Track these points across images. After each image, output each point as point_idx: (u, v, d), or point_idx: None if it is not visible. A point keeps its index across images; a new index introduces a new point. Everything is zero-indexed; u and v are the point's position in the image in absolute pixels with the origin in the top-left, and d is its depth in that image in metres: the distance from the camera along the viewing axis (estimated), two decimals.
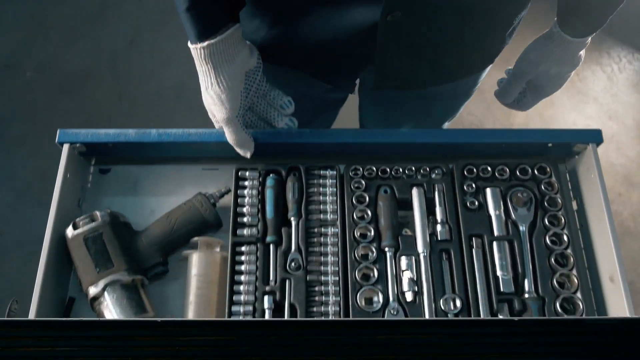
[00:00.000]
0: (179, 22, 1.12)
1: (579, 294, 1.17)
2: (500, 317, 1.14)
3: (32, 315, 1.11)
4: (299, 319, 1.14)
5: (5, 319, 0.95)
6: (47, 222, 1.19)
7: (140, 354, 0.81)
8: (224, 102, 1.15)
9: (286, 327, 0.85)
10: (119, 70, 3.37)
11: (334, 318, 1.14)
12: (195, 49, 1.12)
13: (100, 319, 1.10)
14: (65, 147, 1.25)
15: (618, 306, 1.14)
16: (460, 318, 1.11)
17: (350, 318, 1.13)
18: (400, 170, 1.27)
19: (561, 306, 1.16)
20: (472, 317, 1.12)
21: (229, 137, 1.21)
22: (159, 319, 1.08)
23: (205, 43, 1.10)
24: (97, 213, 1.20)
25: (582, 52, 1.29)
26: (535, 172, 1.27)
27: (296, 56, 1.35)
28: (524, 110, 1.46)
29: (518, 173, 1.27)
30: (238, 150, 1.23)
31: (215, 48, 1.10)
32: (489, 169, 1.26)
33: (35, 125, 3.11)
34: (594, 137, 1.26)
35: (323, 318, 1.15)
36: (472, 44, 1.31)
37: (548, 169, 1.26)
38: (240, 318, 1.15)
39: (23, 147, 3.08)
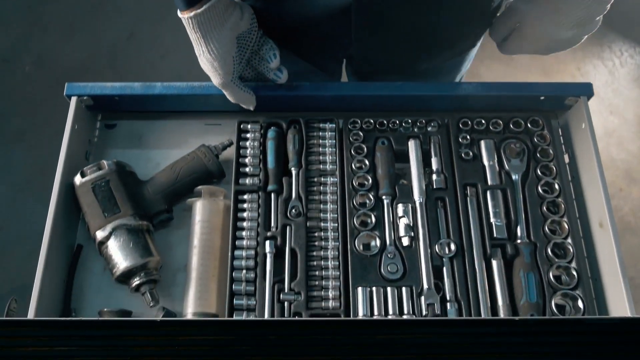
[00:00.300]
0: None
1: (569, 240, 1.21)
2: (501, 316, 1.15)
3: (41, 264, 1.14)
4: (298, 318, 1.14)
5: (4, 318, 0.97)
6: (56, 172, 1.22)
7: (140, 353, 0.82)
8: (217, 68, 1.18)
9: (286, 327, 0.86)
10: (118, 64, 3.39)
11: (334, 318, 1.15)
12: (184, 18, 1.13)
13: (99, 318, 1.09)
14: (73, 99, 1.29)
15: (607, 250, 1.18)
16: (461, 318, 1.13)
17: (351, 318, 1.14)
18: (398, 122, 1.31)
19: (552, 251, 1.20)
20: (473, 317, 1.13)
21: (229, 98, 1.25)
22: (158, 319, 1.10)
23: (192, 13, 1.11)
24: (104, 162, 1.24)
25: (577, 35, 1.18)
26: (528, 125, 1.31)
27: (280, 33, 1.34)
28: (504, 53, 1.31)
29: (511, 126, 1.31)
30: (241, 104, 1.27)
31: (203, 17, 1.12)
32: (483, 122, 1.31)
33: (35, 120, 3.11)
34: (585, 90, 1.31)
35: (323, 318, 1.15)
36: (450, 26, 1.29)
37: (540, 122, 1.31)
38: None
39: (22, 142, 3.07)
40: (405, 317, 1.14)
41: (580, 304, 1.15)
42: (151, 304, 1.16)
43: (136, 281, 1.16)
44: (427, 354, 0.82)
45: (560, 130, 1.36)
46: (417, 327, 0.87)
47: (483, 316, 1.13)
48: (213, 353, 0.81)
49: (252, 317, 1.15)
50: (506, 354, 0.83)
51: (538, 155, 1.28)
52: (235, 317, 1.15)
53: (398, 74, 1.44)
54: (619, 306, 1.14)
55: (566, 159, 1.33)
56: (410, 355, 0.81)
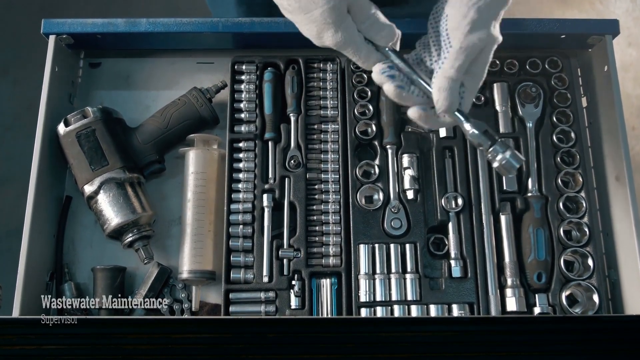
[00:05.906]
0: None
1: (582, 194, 1.15)
2: (511, 314, 1.08)
3: (28, 218, 1.08)
4: (297, 317, 1.07)
5: None
6: (38, 118, 1.14)
7: (132, 352, 0.78)
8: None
9: (285, 325, 0.83)
10: None
11: (336, 316, 1.08)
12: None
13: (89, 316, 1.06)
14: (52, 38, 1.18)
15: (622, 204, 1.12)
16: (470, 316, 1.08)
17: (353, 316, 1.07)
18: None
19: (564, 205, 1.14)
20: (482, 315, 1.08)
21: None
22: (150, 317, 1.05)
23: None
24: (89, 109, 1.16)
25: None
26: (546, 66, 1.21)
27: None
28: None
29: (528, 67, 1.21)
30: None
31: None
32: (498, 62, 1.20)
33: (18, 51, 2.88)
34: (611, 27, 1.19)
35: (324, 316, 1.08)
36: None
37: (559, 63, 1.21)
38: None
39: (7, 75, 2.88)
40: (413, 312, 1.08)
41: (590, 261, 1.11)
42: (145, 261, 1.12)
43: (129, 238, 1.11)
44: (432, 352, 0.79)
45: (579, 70, 1.26)
46: (422, 325, 0.83)
47: (489, 282, 1.10)
48: (209, 352, 0.79)
49: (249, 290, 1.11)
50: (516, 352, 0.81)
51: (555, 100, 1.19)
52: (232, 315, 1.07)
53: (401, 2, 1.32)
54: (630, 261, 1.10)
55: (584, 102, 1.24)
56: (414, 354, 0.78)
